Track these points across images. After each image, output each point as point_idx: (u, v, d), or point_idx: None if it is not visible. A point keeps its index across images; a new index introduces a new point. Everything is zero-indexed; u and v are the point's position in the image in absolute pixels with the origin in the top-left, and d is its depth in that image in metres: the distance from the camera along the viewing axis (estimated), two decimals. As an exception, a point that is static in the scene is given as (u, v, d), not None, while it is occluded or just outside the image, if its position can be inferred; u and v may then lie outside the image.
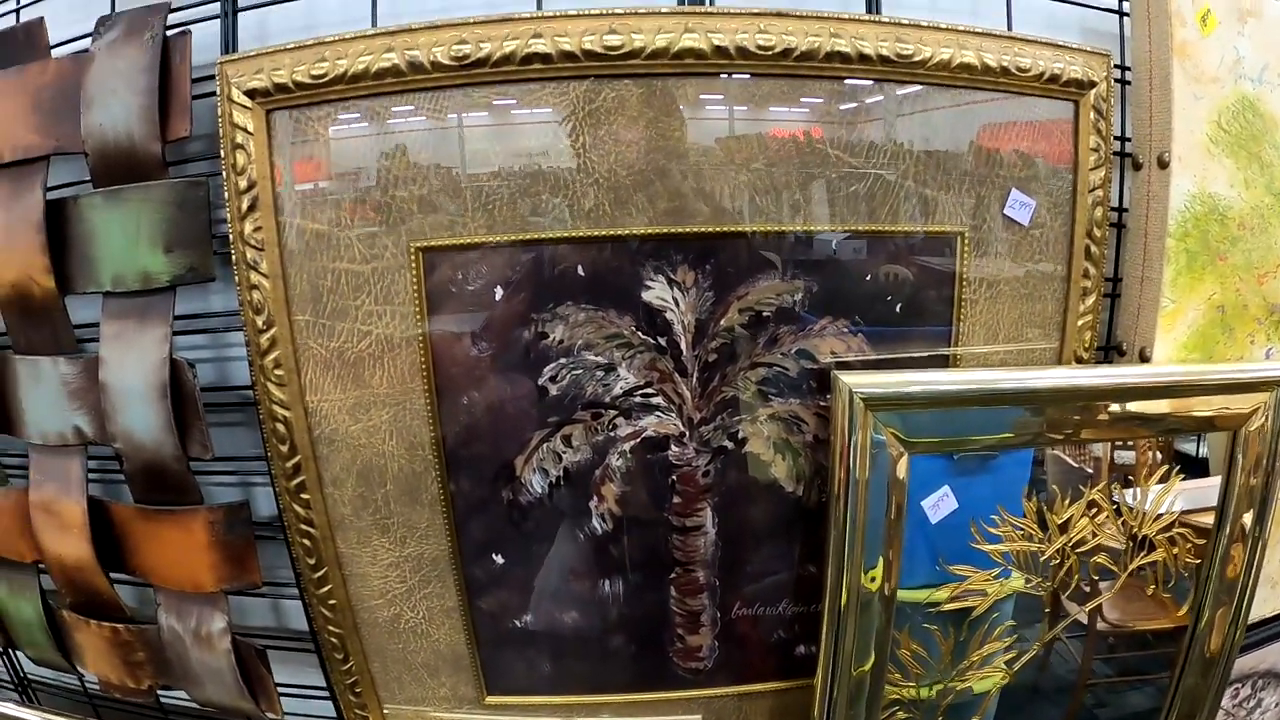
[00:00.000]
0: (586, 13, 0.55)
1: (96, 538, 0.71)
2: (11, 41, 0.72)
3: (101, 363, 0.68)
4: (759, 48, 0.55)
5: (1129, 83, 0.70)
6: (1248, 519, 0.71)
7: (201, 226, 0.64)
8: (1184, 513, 0.72)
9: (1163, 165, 0.68)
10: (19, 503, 0.75)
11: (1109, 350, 0.71)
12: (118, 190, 0.65)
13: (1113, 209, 0.68)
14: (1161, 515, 0.70)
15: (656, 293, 0.58)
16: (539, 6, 0.59)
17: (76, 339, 0.71)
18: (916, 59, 0.58)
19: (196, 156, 0.67)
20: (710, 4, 0.57)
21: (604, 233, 0.56)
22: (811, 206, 0.58)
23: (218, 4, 0.65)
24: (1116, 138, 0.68)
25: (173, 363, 0.65)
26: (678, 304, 0.58)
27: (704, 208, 0.57)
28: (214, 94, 0.61)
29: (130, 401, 0.67)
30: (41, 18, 0.70)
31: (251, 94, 0.58)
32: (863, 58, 0.56)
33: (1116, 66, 0.68)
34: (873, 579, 0.63)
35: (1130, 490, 0.70)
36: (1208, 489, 0.72)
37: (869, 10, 0.60)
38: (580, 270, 0.57)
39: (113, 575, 0.72)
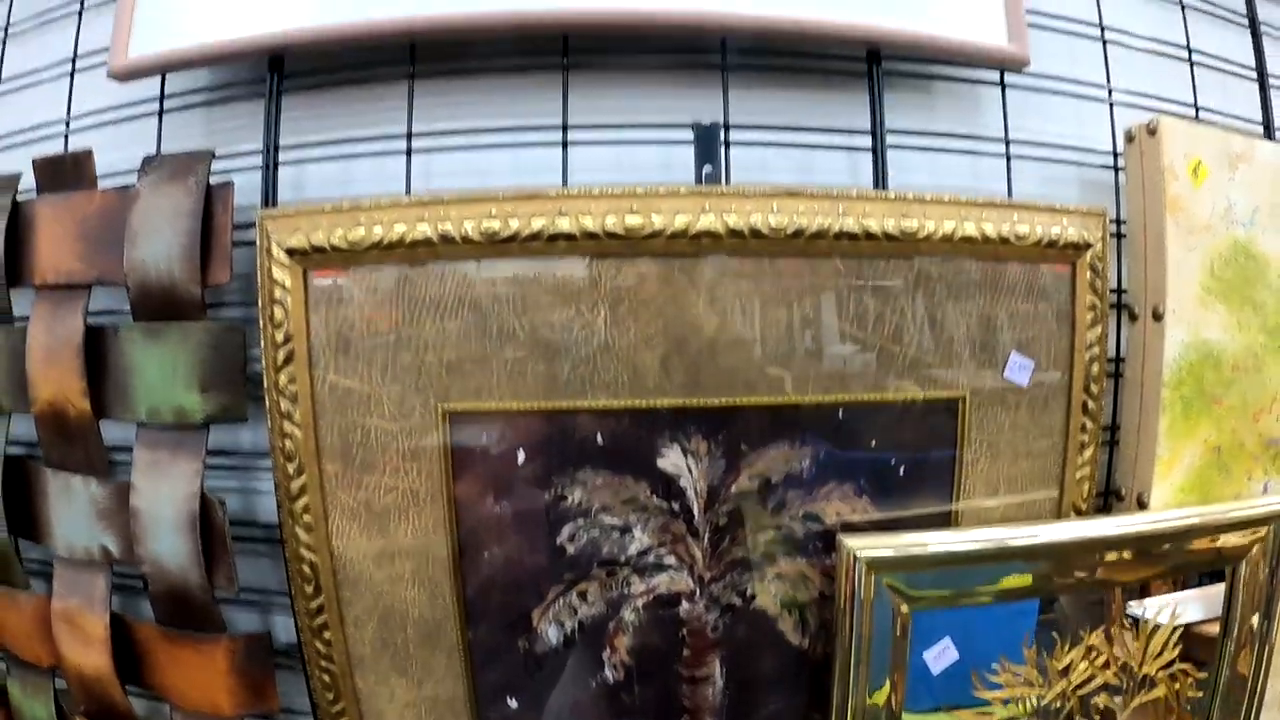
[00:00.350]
0: (609, 192, 0.58)
1: (117, 652, 0.72)
2: (60, 168, 0.75)
3: (133, 489, 0.70)
4: (771, 229, 0.58)
5: (1124, 236, 0.73)
6: (1250, 642, 0.72)
7: (236, 370, 0.67)
8: (1195, 624, 0.74)
9: (1157, 317, 0.71)
10: (40, 608, 0.76)
11: (1108, 495, 0.73)
12: (157, 328, 0.68)
13: (1110, 359, 0.71)
14: (1163, 653, 0.72)
15: (671, 460, 0.60)
16: (564, 182, 0.62)
17: (109, 460, 0.74)
18: (921, 235, 0.60)
19: (233, 298, 0.70)
20: (726, 184, 0.61)
21: (622, 404, 0.59)
22: (820, 379, 0.61)
23: (259, 155, 0.69)
24: (1113, 290, 0.71)
25: (203, 497, 0.68)
26: (691, 471, 0.60)
27: (718, 381, 0.59)
28: (253, 242, 0.64)
29: (160, 530, 0.69)
30: (90, 150, 0.73)
31: (290, 252, 0.61)
32: (869, 235, 0.59)
33: (1113, 221, 0.71)
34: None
35: (1142, 605, 0.72)
36: (1217, 596, 0.74)
37: (876, 185, 0.63)
38: (599, 438, 0.60)
39: (129, 686, 0.74)
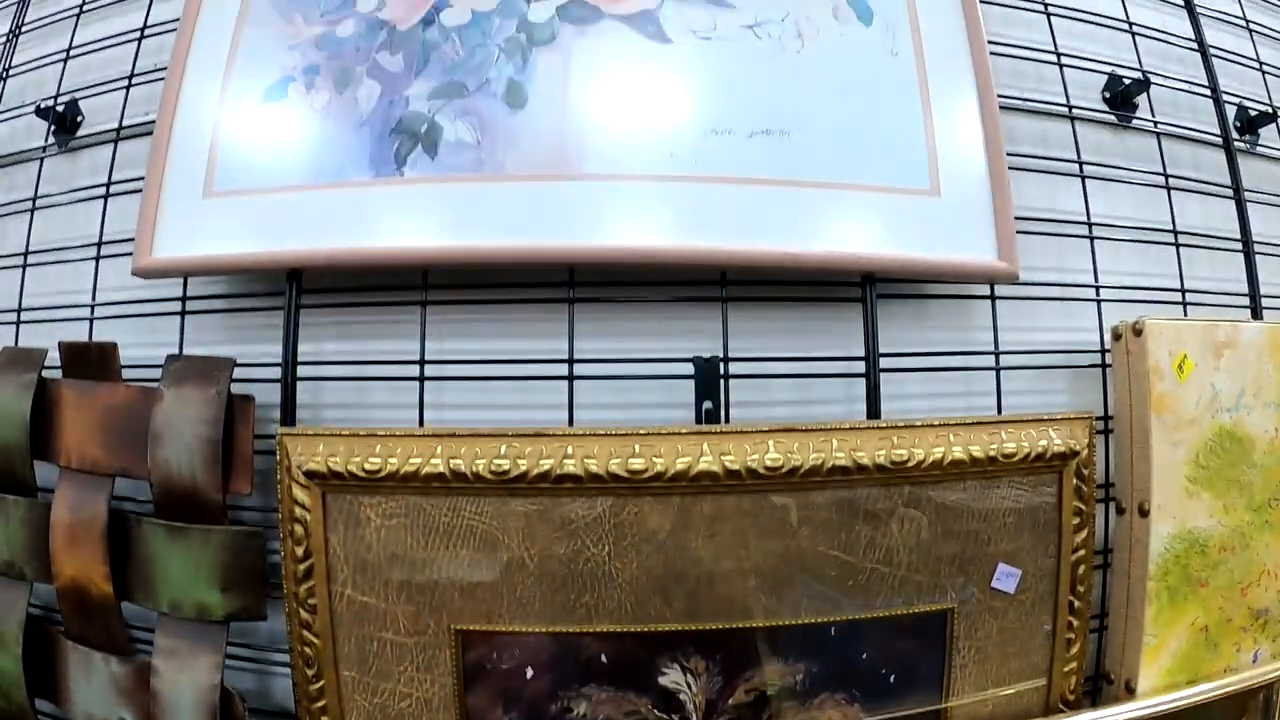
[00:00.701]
0: (614, 431, 0.62)
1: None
2: (85, 356, 0.78)
3: (154, 671, 0.72)
4: (767, 468, 0.61)
5: (1112, 430, 0.75)
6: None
7: (257, 573, 0.70)
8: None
9: (1143, 513, 0.73)
10: (57, 771, 0.79)
11: (1097, 678, 0.75)
12: (180, 528, 0.71)
13: (1097, 552, 0.73)
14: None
15: (671, 678, 0.63)
16: (570, 418, 0.66)
17: (129, 636, 0.76)
18: (911, 463, 0.63)
19: (252, 501, 0.72)
20: (725, 421, 0.64)
21: (625, 628, 0.62)
22: (813, 601, 0.63)
23: (278, 357, 0.72)
24: (1100, 485, 0.73)
25: (223, 689, 0.71)
26: (690, 687, 0.63)
27: (716, 607, 0.62)
28: (273, 451, 0.68)
29: (179, 714, 0.71)
30: (115, 344, 0.76)
31: (310, 474, 0.65)
32: (861, 468, 0.62)
33: (1099, 418, 0.74)
34: None
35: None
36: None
37: (869, 413, 0.66)
38: (603, 658, 0.63)
39: None
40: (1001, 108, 0.73)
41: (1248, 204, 0.86)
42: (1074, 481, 0.69)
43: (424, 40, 0.69)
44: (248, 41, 0.75)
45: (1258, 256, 0.86)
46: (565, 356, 0.65)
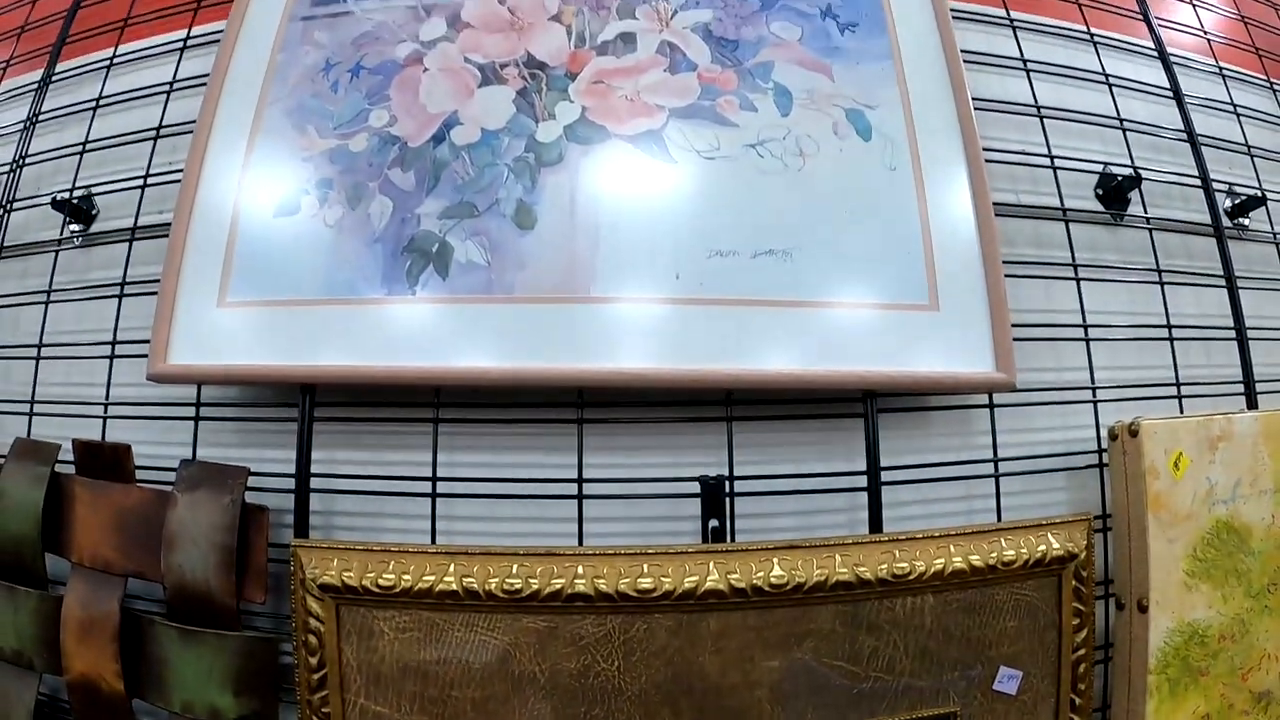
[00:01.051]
0: (622, 551, 0.63)
1: None
2: (98, 456, 0.79)
3: (166, 768, 0.74)
4: (772, 586, 0.62)
5: (1111, 528, 0.77)
6: None
7: (269, 677, 0.71)
8: None
9: (1142, 609, 0.75)
10: None
11: (1100, 774, 0.77)
12: (194, 632, 0.73)
13: (1098, 646, 0.75)
14: None
15: (680, 790, 0.64)
16: (580, 539, 0.67)
17: (140, 731, 0.77)
18: (912, 576, 0.65)
19: (264, 607, 0.74)
20: (731, 539, 0.65)
21: (634, 742, 0.63)
22: (818, 711, 0.65)
23: (291, 460, 0.73)
24: (1100, 581, 0.75)
25: (239, 792, 0.71)
26: (699, 801, 0.64)
27: (723, 718, 0.63)
28: (286, 561, 0.69)
29: (193, 813, 0.73)
30: (129, 446, 0.77)
31: (324, 588, 0.66)
32: (863, 583, 0.64)
33: (1097, 518, 0.75)
34: None
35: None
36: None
37: (871, 528, 0.68)
38: (613, 769, 0.64)
39: None
40: (997, 213, 0.75)
41: (1240, 289, 0.89)
42: (1073, 583, 0.71)
43: (435, 158, 0.72)
44: (262, 151, 0.77)
45: (1251, 342, 0.88)
46: (575, 475, 0.67)
